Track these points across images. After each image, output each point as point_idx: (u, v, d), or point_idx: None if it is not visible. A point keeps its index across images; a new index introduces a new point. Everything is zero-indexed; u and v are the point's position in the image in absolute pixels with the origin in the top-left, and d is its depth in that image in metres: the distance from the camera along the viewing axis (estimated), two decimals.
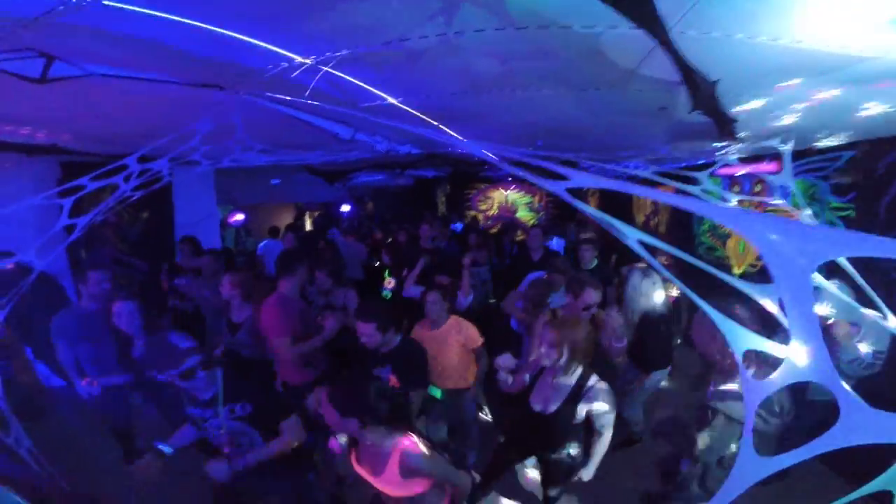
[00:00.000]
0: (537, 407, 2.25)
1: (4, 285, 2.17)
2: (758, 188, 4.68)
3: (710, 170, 4.76)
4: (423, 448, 1.72)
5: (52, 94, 1.47)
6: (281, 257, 3.56)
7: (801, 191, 4.03)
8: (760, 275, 4.70)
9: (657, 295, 3.45)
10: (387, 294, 4.39)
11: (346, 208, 9.57)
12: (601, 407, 2.13)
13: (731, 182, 5.06)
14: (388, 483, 1.72)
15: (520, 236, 10.93)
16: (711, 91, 1.61)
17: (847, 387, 0.69)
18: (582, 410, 2.14)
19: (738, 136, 2.55)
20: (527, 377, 2.36)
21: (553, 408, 2.18)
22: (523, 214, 11.52)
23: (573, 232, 7.74)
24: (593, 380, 2.16)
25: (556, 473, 2.56)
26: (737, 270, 5.36)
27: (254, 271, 5.33)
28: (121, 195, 2.32)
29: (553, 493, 2.64)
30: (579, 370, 2.16)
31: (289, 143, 2.90)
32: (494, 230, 9.24)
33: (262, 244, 6.23)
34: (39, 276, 2.24)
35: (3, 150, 3.14)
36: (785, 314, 1.20)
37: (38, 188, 3.43)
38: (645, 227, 8.00)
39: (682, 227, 6.36)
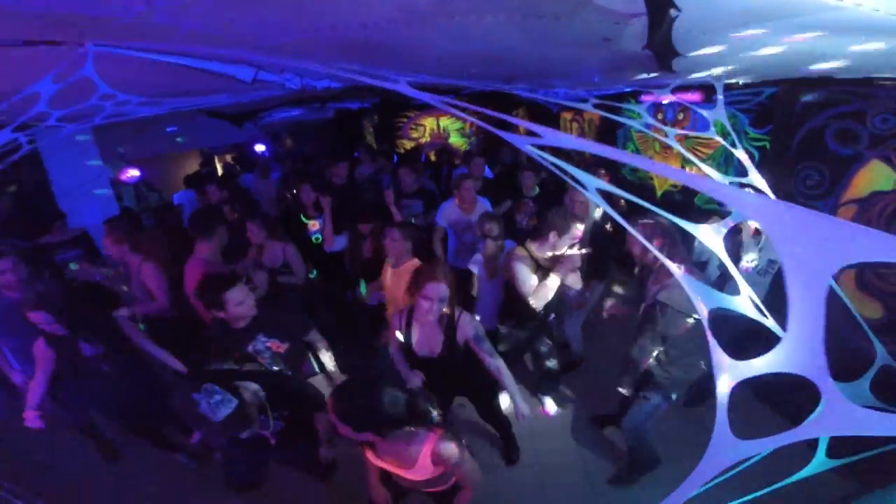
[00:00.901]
0: (425, 353, 2.33)
1: None
2: (681, 116, 4.77)
3: (642, 98, 4.78)
4: (452, 439, 1.71)
5: None
6: (194, 217, 3.15)
7: (721, 124, 4.19)
8: (681, 194, 4.99)
9: (596, 214, 3.59)
10: (317, 238, 4.08)
11: (260, 148, 8.61)
12: (473, 330, 2.28)
13: (655, 109, 5.10)
14: (420, 472, 1.71)
15: (455, 163, 10.75)
16: (669, 27, 1.46)
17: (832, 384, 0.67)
18: (460, 340, 2.28)
19: (674, 69, 2.47)
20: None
21: (438, 350, 2.29)
22: (455, 140, 11.22)
23: (508, 155, 7.62)
24: (457, 311, 2.30)
25: (486, 405, 2.75)
26: (659, 190, 5.62)
27: (169, 226, 4.79)
28: None
29: (495, 424, 2.84)
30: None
31: (175, 91, 2.38)
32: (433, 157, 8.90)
33: (177, 195, 5.55)
34: None
35: None
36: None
37: None
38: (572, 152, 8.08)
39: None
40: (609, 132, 6.26)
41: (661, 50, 1.89)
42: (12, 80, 1.45)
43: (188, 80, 2.13)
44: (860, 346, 2.60)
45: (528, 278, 2.75)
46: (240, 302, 2.18)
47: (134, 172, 5.65)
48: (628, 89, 5.07)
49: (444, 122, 11.08)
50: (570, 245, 2.69)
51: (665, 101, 4.77)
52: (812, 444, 1.30)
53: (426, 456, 1.68)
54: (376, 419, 1.56)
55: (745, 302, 1.29)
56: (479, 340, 2.28)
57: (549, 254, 2.76)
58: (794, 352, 0.69)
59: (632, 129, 6.00)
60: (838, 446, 1.26)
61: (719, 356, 0.91)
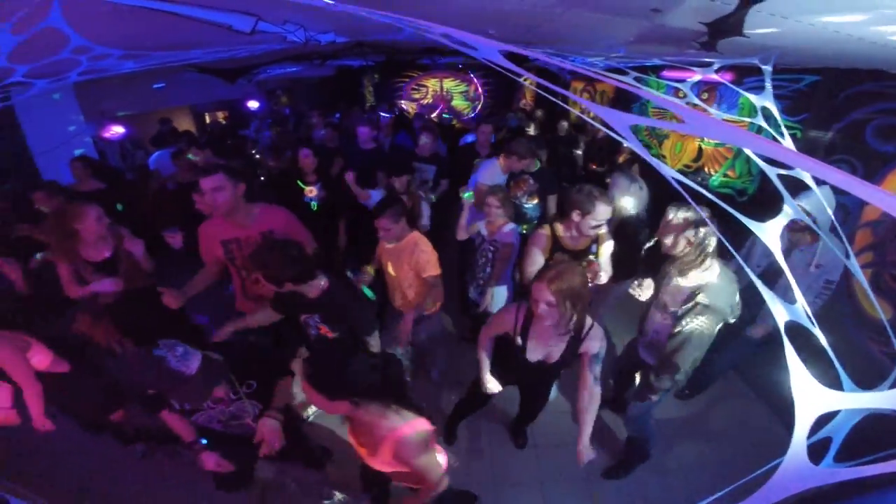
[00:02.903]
0: (537, 358, 2.07)
1: None
2: (705, 96, 4.48)
3: (664, 74, 4.46)
4: (420, 439, 1.53)
5: None
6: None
7: (749, 105, 3.91)
8: (694, 174, 4.79)
9: (639, 201, 3.20)
10: (314, 205, 3.86)
11: (254, 105, 8.14)
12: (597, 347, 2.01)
13: (674, 90, 4.80)
14: (381, 464, 1.57)
15: (456, 125, 10.36)
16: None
17: None
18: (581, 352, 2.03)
19: (718, 49, 2.23)
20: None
21: (556, 358, 2.04)
22: (459, 103, 10.82)
23: (513, 119, 7.29)
24: (589, 322, 1.99)
25: (541, 404, 2.62)
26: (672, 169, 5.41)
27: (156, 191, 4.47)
28: None
29: (530, 418, 2.75)
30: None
31: (162, 44, 2.08)
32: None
33: (153, 156, 5.16)
34: None
35: None
36: None
37: None
38: (579, 122, 7.75)
39: None
40: (624, 107, 5.97)
41: (727, 29, 1.68)
42: None
43: (176, 31, 1.85)
44: (872, 351, 2.57)
45: (536, 260, 2.56)
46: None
47: (118, 129, 5.27)
48: (650, 63, 4.77)
49: (448, 84, 10.62)
50: (595, 228, 2.45)
51: (690, 80, 4.48)
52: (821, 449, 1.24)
53: (388, 446, 1.50)
54: (348, 385, 1.39)
55: (799, 311, 1.18)
56: (595, 360, 1.98)
57: (573, 234, 2.54)
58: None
59: (648, 104, 5.71)
60: (846, 451, 1.20)
61: (804, 382, 0.85)
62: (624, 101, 6.09)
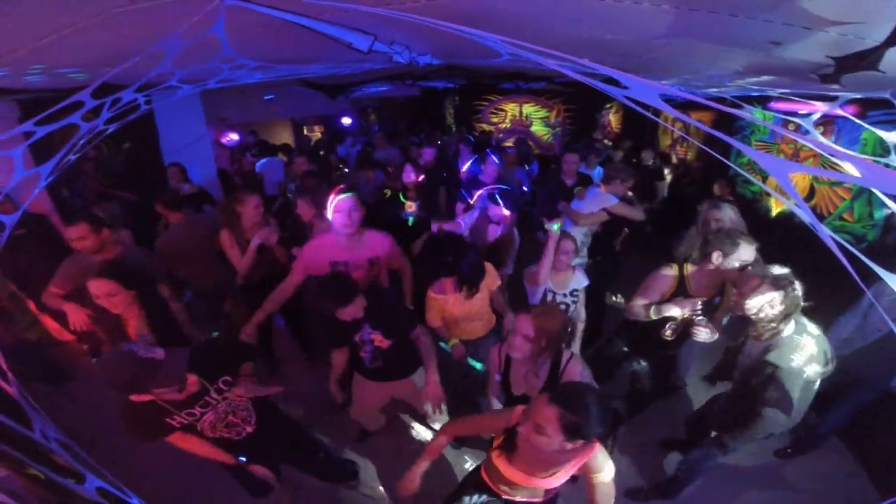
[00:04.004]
0: (521, 391, 2.11)
1: None
2: (821, 129, 4.02)
3: (772, 105, 4.12)
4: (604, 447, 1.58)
5: None
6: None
7: (875, 141, 3.48)
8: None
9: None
10: (410, 220, 3.96)
11: (347, 121, 8.75)
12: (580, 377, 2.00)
13: (783, 122, 4.38)
14: (553, 482, 1.60)
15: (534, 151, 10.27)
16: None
17: None
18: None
19: (841, 82, 2.02)
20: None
21: (538, 392, 2.06)
22: (538, 129, 10.72)
23: (604, 153, 7.08)
24: (566, 354, 2.04)
25: None
26: (776, 209, 4.95)
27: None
28: (90, 131, 1.80)
29: None
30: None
31: (291, 57, 2.29)
32: (509, 144, 8.52)
33: (260, 162, 5.68)
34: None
35: None
36: None
37: None
38: (671, 151, 7.36)
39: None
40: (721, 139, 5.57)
41: (860, 64, 1.53)
42: (143, 34, 1.39)
43: (306, 46, 2.02)
44: None
45: (640, 300, 2.43)
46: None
47: (233, 136, 5.88)
48: (755, 94, 4.43)
49: (528, 109, 10.60)
50: (741, 268, 2.25)
51: (808, 113, 4.08)
52: None
53: (572, 467, 1.54)
54: (592, 427, 1.40)
55: None
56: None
57: (702, 279, 2.38)
58: None
59: (752, 136, 5.30)
60: None
61: None
62: (724, 131, 5.71)
